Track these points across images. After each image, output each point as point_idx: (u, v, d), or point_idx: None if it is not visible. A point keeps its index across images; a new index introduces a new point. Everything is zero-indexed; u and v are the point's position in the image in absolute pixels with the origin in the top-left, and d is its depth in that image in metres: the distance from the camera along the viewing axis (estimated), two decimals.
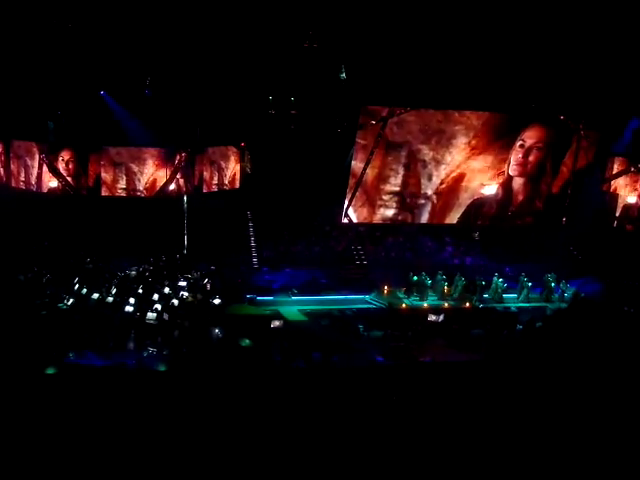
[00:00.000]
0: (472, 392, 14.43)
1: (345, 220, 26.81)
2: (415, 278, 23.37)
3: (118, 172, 25.77)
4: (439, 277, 23.57)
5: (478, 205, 27.08)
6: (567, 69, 23.89)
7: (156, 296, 20.70)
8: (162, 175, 26.12)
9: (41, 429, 11.54)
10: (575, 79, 24.07)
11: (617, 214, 27.08)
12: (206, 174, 26.77)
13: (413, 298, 23.09)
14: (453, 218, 27.23)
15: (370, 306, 22.39)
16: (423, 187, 26.56)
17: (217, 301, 21.01)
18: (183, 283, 22.19)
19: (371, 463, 11.09)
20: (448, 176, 26.43)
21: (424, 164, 26.21)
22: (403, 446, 11.67)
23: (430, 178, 26.44)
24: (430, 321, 20.69)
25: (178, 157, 26.12)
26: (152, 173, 26.12)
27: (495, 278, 23.73)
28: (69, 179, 25.64)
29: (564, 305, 23.06)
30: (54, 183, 25.71)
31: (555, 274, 24.16)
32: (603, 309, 21.95)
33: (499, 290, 23.52)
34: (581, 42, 23.05)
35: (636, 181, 26.46)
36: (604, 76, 23.96)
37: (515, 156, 26.42)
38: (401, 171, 26.14)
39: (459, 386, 14.89)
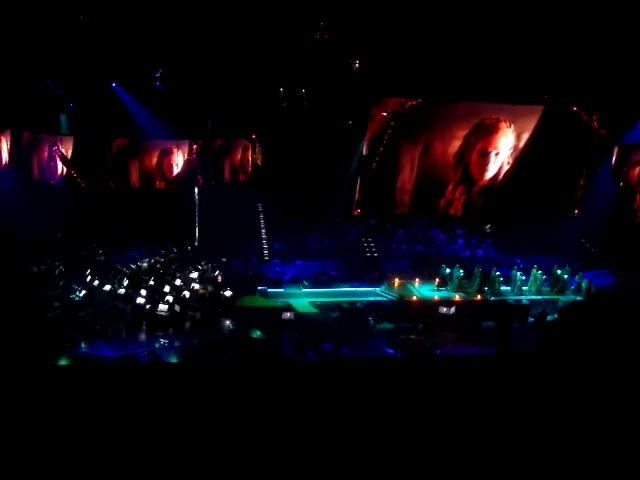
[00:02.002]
0: (484, 386, 14.37)
1: (356, 212, 26.94)
2: (448, 270, 23.23)
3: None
4: (476, 271, 23.22)
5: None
6: (580, 59, 23.68)
7: (167, 288, 20.79)
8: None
9: (53, 420, 11.63)
10: (588, 70, 23.86)
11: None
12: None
13: (446, 290, 22.92)
14: None
15: (381, 298, 22.36)
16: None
17: (228, 293, 21.08)
18: (194, 275, 22.26)
19: (381, 456, 11.09)
20: None
21: None
22: (413, 439, 11.66)
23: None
24: (441, 314, 20.66)
25: (190, 149, 26.23)
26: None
27: (534, 270, 23.52)
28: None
29: (579, 298, 22.86)
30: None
31: (569, 267, 23.97)
32: (619, 302, 21.74)
33: (537, 282, 23.33)
34: (594, 33, 22.83)
35: None
36: (618, 66, 23.75)
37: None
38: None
39: (470, 379, 14.84)
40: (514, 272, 23.52)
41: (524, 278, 23.39)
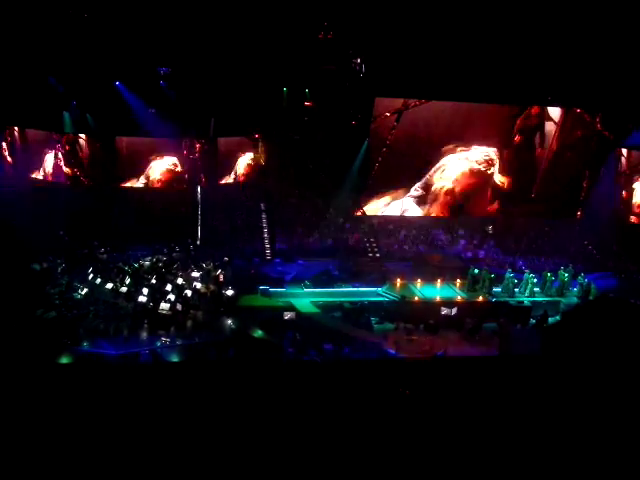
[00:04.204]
0: (485, 387, 14.34)
1: (359, 212, 27.02)
2: (476, 271, 23.17)
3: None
4: (507, 275, 23.09)
5: None
6: (583, 61, 23.64)
7: (169, 286, 20.81)
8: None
9: (55, 418, 11.62)
10: (591, 71, 23.82)
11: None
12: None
13: (475, 292, 22.70)
14: None
15: (383, 299, 22.34)
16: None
17: (230, 292, 21.09)
18: (196, 274, 22.28)
19: (382, 457, 11.07)
20: None
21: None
22: (414, 440, 11.64)
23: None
24: (443, 314, 20.65)
25: (193, 148, 26.32)
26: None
27: (561, 271, 23.43)
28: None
29: (578, 300, 22.80)
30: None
31: (571, 268, 23.90)
32: (621, 305, 21.69)
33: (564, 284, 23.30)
34: (597, 34, 22.79)
35: None
36: (621, 68, 23.70)
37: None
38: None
39: (471, 381, 14.81)
40: (544, 274, 23.39)
41: (553, 279, 23.29)
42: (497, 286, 22.97)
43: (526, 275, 23.15)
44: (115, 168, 26.46)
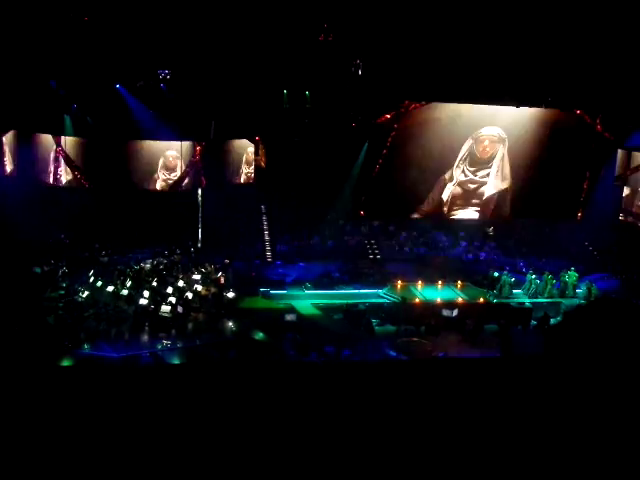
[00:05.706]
0: (487, 389, 14.31)
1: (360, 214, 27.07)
2: (496, 274, 23.17)
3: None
4: (529, 276, 23.16)
5: None
6: (584, 62, 23.64)
7: (170, 289, 20.81)
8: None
9: (55, 421, 11.60)
10: (592, 73, 23.82)
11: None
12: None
13: (494, 294, 22.70)
14: None
15: (383, 300, 22.33)
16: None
17: (231, 294, 21.09)
18: (197, 276, 22.29)
19: (383, 459, 11.05)
20: None
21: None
22: (415, 442, 11.62)
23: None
24: (444, 316, 20.63)
25: (193, 151, 26.35)
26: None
27: (573, 272, 23.39)
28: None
29: (581, 301, 22.73)
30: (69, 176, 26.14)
31: (575, 270, 23.84)
32: (623, 306, 21.63)
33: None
34: (598, 36, 22.79)
35: None
36: (621, 69, 23.70)
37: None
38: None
39: (473, 382, 14.78)
40: (561, 274, 23.38)
41: (566, 279, 23.33)
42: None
43: (545, 276, 23.16)
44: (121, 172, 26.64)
